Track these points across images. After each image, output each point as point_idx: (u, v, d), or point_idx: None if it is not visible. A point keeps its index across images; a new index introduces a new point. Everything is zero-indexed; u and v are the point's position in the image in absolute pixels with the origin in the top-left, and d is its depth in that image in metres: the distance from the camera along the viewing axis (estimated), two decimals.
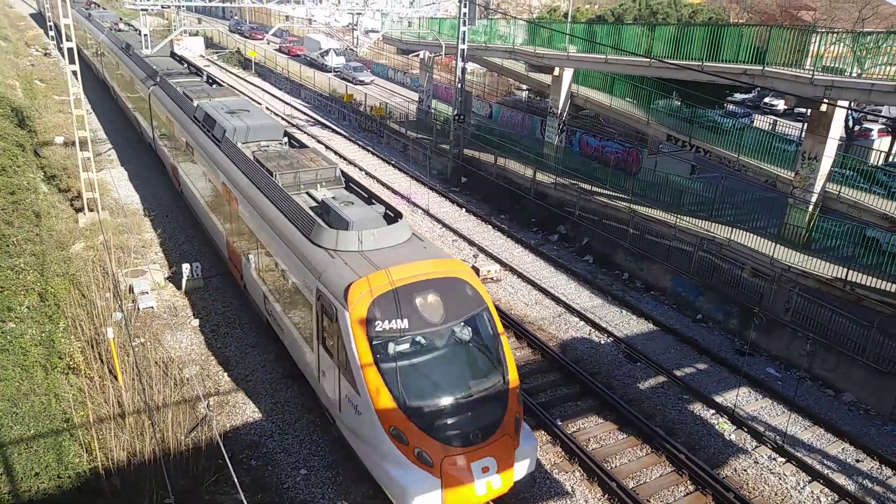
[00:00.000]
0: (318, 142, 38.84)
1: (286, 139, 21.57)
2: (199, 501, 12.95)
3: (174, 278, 21.61)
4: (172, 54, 35.45)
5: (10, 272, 16.92)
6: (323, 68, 61.29)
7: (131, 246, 23.34)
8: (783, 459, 15.56)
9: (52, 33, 58.41)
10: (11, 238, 18.60)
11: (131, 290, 20.26)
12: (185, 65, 32.86)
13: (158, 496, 12.54)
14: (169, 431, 14.13)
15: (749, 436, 16.32)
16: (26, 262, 17.71)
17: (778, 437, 16.10)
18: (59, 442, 12.54)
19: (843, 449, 16.11)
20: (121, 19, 48.19)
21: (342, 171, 17.87)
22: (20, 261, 17.63)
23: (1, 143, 25.18)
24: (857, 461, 15.72)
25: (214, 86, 28.13)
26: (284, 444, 14.92)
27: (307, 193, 16.77)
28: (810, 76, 21.06)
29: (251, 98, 44.77)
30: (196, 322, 19.53)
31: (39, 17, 74.78)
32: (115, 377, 15.61)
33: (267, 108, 45.18)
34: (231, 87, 37.30)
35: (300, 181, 17.15)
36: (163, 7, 36.53)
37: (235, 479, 9.75)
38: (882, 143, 38.63)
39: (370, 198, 16.22)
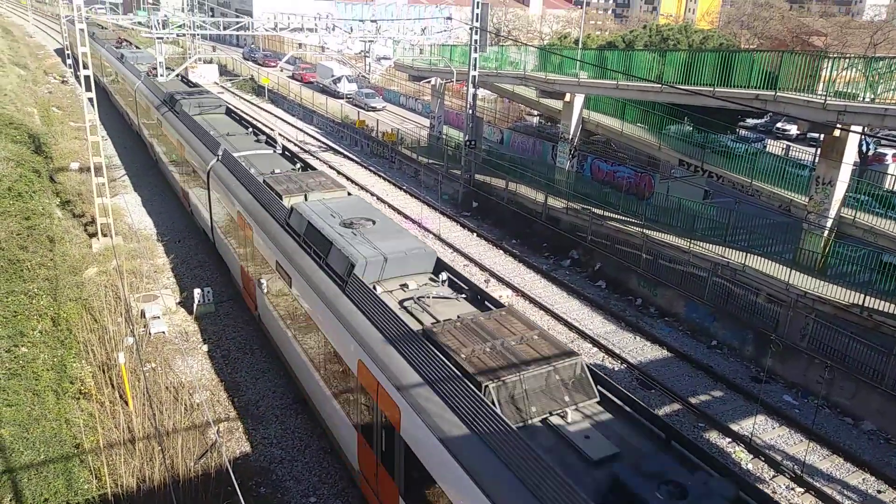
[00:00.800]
0: (331, 167, 39.08)
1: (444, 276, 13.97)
2: None
3: (186, 303, 21.63)
4: (228, 111, 29.88)
5: (24, 297, 17.00)
6: (335, 94, 61.96)
7: (144, 271, 23.44)
8: (802, 489, 15.22)
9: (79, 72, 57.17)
10: (25, 263, 18.72)
11: (143, 314, 20.30)
12: (249, 129, 26.86)
13: None
14: (178, 457, 14.03)
15: (766, 465, 16.00)
16: (40, 287, 17.79)
17: (796, 467, 15.76)
18: (68, 468, 12.46)
19: (863, 479, 15.74)
20: (161, 63, 36.13)
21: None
22: (34, 285, 17.72)
23: (17, 169, 25.51)
24: (879, 492, 15.35)
25: (300, 165, 22.01)
26: (294, 472, 14.76)
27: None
28: (823, 101, 21.00)
29: (273, 130, 44.90)
30: (207, 347, 19.50)
31: (62, 52, 74.27)
32: (126, 402, 15.56)
33: (280, 134, 45.63)
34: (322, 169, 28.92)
35: None
36: (178, 35, 36.93)
37: None
38: None
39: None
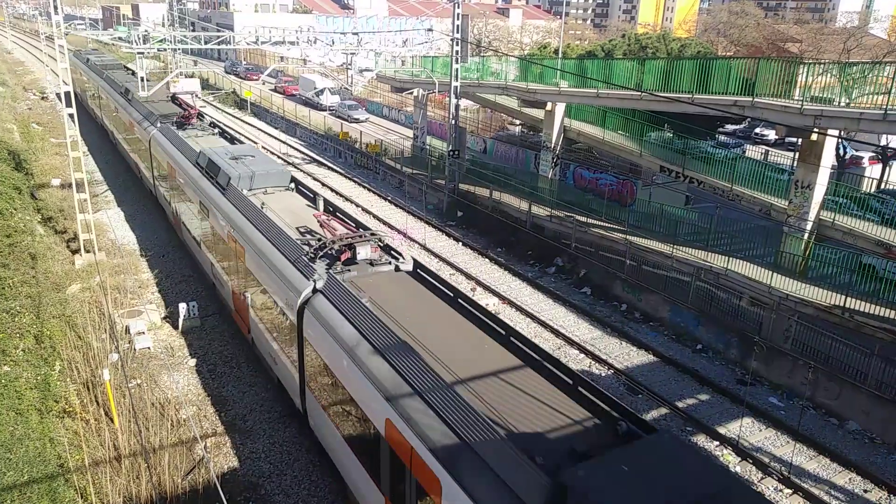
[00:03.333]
0: (315, 179, 39.03)
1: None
2: None
3: (171, 318, 21.47)
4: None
5: (6, 315, 16.81)
6: (318, 107, 61.96)
7: (128, 286, 23.25)
8: (790, 490, 15.35)
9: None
10: (7, 281, 18.52)
11: (128, 330, 20.12)
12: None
13: None
14: (165, 474, 13.89)
15: (754, 467, 16.12)
16: (22, 305, 17.60)
17: (783, 468, 15.90)
18: (53, 488, 12.29)
19: (850, 479, 15.91)
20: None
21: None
22: (16, 303, 17.53)
23: None
24: (865, 491, 15.51)
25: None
26: (283, 486, 14.65)
27: None
28: (800, 106, 21.35)
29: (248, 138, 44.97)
30: (193, 362, 19.35)
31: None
32: (112, 419, 15.39)
33: (263, 147, 45.55)
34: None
35: None
36: (159, 50, 36.75)
37: None
38: (874, 171, 39.00)
39: None
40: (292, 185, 20.82)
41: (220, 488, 10.71)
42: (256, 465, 15.31)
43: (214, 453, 15.59)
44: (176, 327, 20.95)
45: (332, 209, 18.64)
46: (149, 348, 19.55)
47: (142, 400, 16.70)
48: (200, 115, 31.37)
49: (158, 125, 28.39)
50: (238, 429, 16.51)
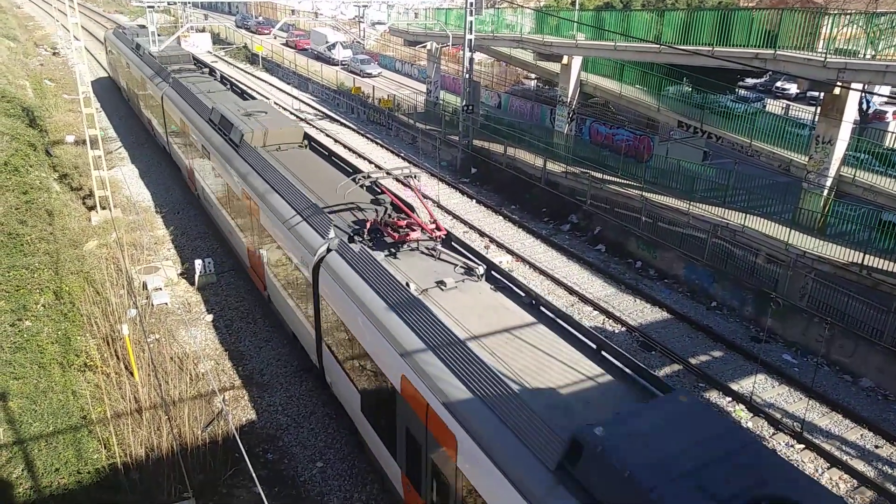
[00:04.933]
0: (328, 135, 38.80)
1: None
2: (217, 495, 13.03)
3: (187, 274, 21.68)
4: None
5: (25, 271, 17.04)
6: (330, 61, 61.20)
7: (144, 243, 23.44)
8: (801, 446, 15.45)
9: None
10: (25, 237, 18.72)
11: (145, 286, 20.36)
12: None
13: (177, 490, 12.62)
14: (186, 426, 14.21)
15: (766, 423, 16.22)
16: (41, 261, 17.82)
17: (796, 424, 15.98)
18: (77, 438, 12.63)
19: (861, 435, 15.98)
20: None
21: None
22: (34, 259, 17.75)
23: (13, 143, 25.34)
24: (877, 447, 15.59)
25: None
26: (300, 438, 14.96)
27: None
28: (823, 59, 20.78)
29: (260, 94, 44.56)
30: (210, 317, 19.60)
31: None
32: (132, 373, 15.69)
33: (276, 103, 45.24)
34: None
35: None
36: (169, 4, 36.26)
37: (252, 473, 9.79)
38: None
39: None
40: (306, 141, 20.74)
41: (239, 440, 10.93)
42: (274, 417, 15.60)
43: (233, 406, 15.89)
44: (192, 283, 21.16)
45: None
46: (166, 304, 19.80)
47: (160, 354, 16.99)
48: (212, 71, 31.13)
49: (171, 81, 28.18)
50: (255, 382, 16.79)
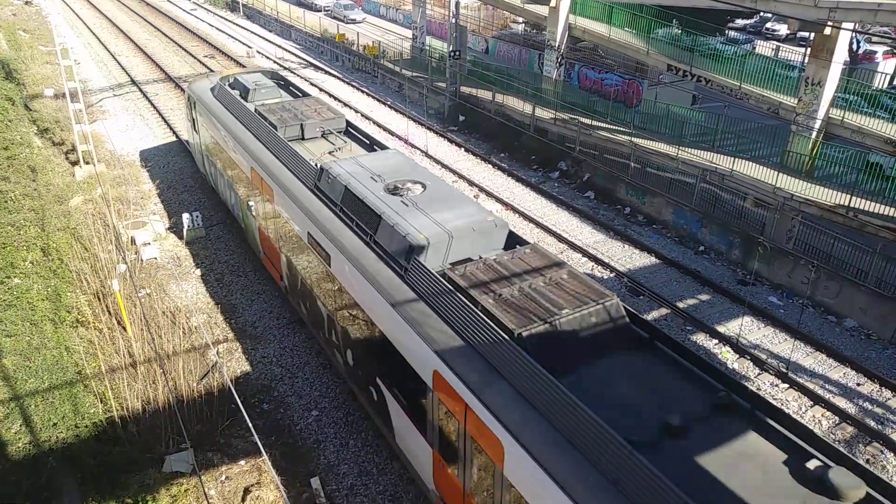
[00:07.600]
0: (312, 84, 38.11)
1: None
2: (214, 445, 13.26)
3: (175, 228, 21.56)
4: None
5: (11, 228, 16.90)
6: (312, 7, 59.68)
7: (130, 197, 23.22)
8: (786, 385, 15.83)
9: None
10: (9, 194, 18.50)
11: (133, 241, 20.26)
12: None
13: (175, 441, 12.84)
14: (181, 379, 14.36)
15: (752, 364, 16.56)
16: (26, 218, 17.66)
17: (781, 365, 16.34)
18: (73, 393, 12.76)
19: (844, 374, 16.37)
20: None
21: None
22: (20, 216, 17.59)
23: None
24: (858, 385, 15.99)
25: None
26: (295, 388, 15.17)
27: None
28: None
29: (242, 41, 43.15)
30: (200, 271, 19.59)
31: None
32: (124, 328, 15.75)
33: (258, 52, 44.23)
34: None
35: None
36: None
37: (249, 423, 9.96)
38: (887, 66, 37.83)
39: None
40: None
41: (234, 391, 11.08)
42: (268, 368, 15.79)
43: (227, 358, 16.05)
44: (181, 237, 21.07)
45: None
46: (155, 259, 19.75)
47: (152, 309, 17.03)
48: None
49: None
50: (248, 335, 16.92)
